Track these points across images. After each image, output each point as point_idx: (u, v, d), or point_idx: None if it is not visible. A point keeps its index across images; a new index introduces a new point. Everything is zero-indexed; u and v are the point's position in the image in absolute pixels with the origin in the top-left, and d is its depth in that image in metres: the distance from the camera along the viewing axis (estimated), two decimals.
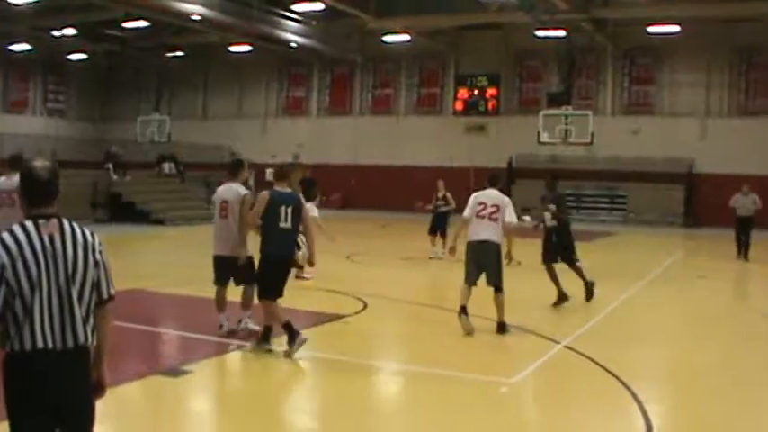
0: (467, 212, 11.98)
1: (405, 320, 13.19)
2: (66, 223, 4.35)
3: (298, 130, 47.48)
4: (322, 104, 48.29)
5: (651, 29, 37.12)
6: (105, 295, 4.46)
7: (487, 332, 11.93)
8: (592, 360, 10.16)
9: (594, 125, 34.10)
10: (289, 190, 10.51)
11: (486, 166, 40.66)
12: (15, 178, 11.08)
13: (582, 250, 26.57)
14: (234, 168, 11.36)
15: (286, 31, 38.73)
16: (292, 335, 9.94)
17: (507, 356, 10.97)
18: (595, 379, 9.49)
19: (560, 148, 36.60)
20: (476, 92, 43.47)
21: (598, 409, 8.60)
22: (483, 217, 11.73)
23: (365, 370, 10.04)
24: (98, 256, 4.41)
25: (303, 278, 15.95)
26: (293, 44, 40.09)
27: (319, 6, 35.51)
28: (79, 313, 4.27)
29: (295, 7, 36.60)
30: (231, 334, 10.99)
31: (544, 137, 34.09)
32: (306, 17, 38.58)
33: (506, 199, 11.95)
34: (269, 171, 41.92)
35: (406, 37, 40.69)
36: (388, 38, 41.43)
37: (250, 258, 10.86)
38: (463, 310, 11.48)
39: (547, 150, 37.98)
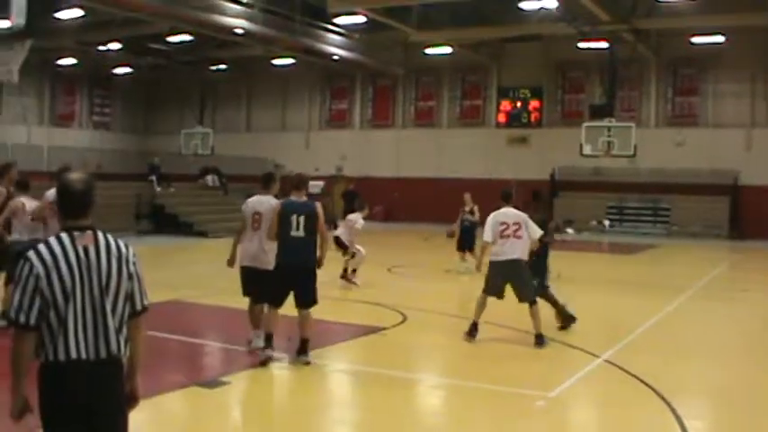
0: (488, 235, 11.81)
1: (444, 333, 13.13)
2: (100, 235, 4.39)
3: (341, 142, 47.58)
4: (365, 117, 48.34)
5: (695, 39, 36.81)
6: (139, 307, 4.50)
7: (525, 345, 11.89)
8: (631, 374, 10.07)
9: (638, 137, 33.85)
10: (303, 199, 10.55)
11: (528, 178, 40.62)
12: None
13: (624, 263, 26.55)
14: (266, 181, 11.28)
15: (328, 44, 38.87)
16: (268, 345, 10.14)
17: (545, 370, 10.88)
18: (635, 393, 9.39)
19: (603, 159, 36.35)
20: (518, 104, 43.35)
21: (637, 425, 8.51)
22: (508, 236, 11.66)
23: (404, 383, 10.03)
24: (132, 267, 4.45)
25: (352, 282, 17.60)
26: (336, 57, 40.20)
27: (361, 19, 35.64)
28: (112, 324, 4.30)
29: (337, 20, 36.73)
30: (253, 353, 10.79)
31: (587, 149, 33.89)
32: (348, 30, 38.71)
33: (524, 215, 11.90)
34: (312, 184, 42.36)
35: (447, 49, 40.70)
36: (429, 50, 41.45)
37: None
38: (474, 327, 11.48)
39: (590, 162, 37.73)
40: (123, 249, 4.44)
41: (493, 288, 11.78)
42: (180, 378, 9.64)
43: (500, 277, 11.72)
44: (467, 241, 21.81)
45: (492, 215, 11.99)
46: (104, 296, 4.29)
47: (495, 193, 39.81)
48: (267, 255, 10.54)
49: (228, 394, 9.16)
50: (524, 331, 12.08)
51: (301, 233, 10.14)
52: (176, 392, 8.92)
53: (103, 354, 4.27)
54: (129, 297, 4.42)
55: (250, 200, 11.13)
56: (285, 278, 10.22)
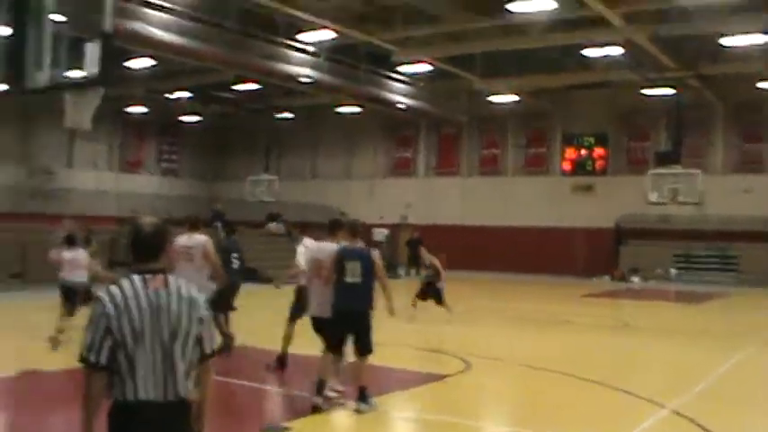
0: None
1: (508, 381, 13.07)
2: (171, 279, 4.47)
3: (405, 190, 47.72)
4: (429, 165, 48.44)
5: (761, 84, 36.44)
6: (208, 351, 4.54)
7: (589, 394, 11.79)
8: (699, 425, 9.88)
9: (704, 184, 33.51)
10: (359, 245, 10.61)
11: (593, 226, 40.45)
12: (196, 237, 11.91)
13: (691, 312, 26.17)
14: (332, 227, 11.24)
15: (393, 92, 39.16)
16: (319, 392, 10.10)
17: (610, 420, 10.72)
18: None
19: (669, 207, 35.97)
20: (583, 151, 43.20)
21: None
22: None
23: (465, 430, 9.98)
24: (202, 312, 4.51)
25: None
26: (400, 105, 40.45)
27: (426, 68, 35.86)
28: (181, 367, 4.36)
29: (402, 69, 37.01)
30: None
31: (652, 197, 33.60)
32: (413, 78, 38.98)
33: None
34: (376, 231, 42.51)
35: (512, 97, 40.74)
36: (494, 98, 41.52)
37: None
38: None
39: (655, 210, 37.38)
40: (194, 294, 4.51)
41: None
42: (244, 423, 9.68)
43: None
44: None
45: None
46: (174, 339, 4.35)
47: (559, 242, 39.77)
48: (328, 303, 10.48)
49: None
50: (585, 379, 11.97)
51: (357, 279, 10.19)
52: None
53: (171, 396, 4.32)
54: (199, 341, 4.47)
55: (309, 244, 11.20)
56: (341, 324, 10.26)
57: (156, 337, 4.30)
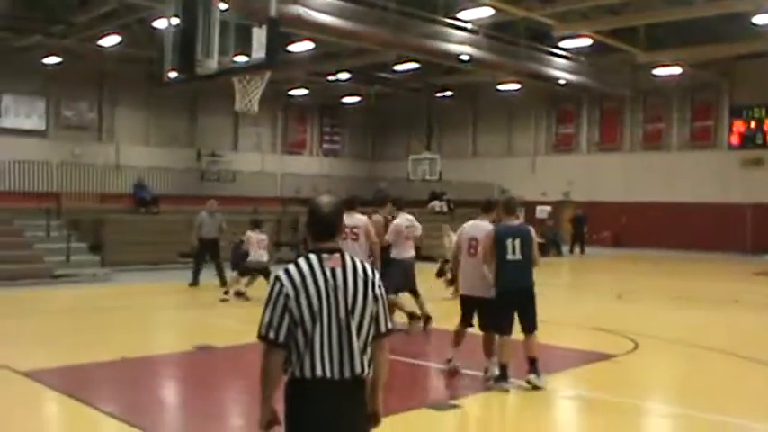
0: None
1: (677, 362, 12.81)
2: (348, 258, 4.55)
3: (567, 166, 47.19)
4: (591, 140, 47.72)
5: None
6: (383, 329, 4.61)
7: (752, 374, 11.48)
8: None
9: None
10: (516, 222, 10.58)
11: (763, 201, 39.07)
12: (358, 216, 12.34)
13: None
14: (487, 206, 11.16)
15: (554, 67, 38.74)
16: (502, 376, 10.13)
17: None
18: None
19: None
20: (752, 124, 41.74)
21: None
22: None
23: (635, 411, 9.82)
24: (378, 290, 4.57)
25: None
26: (561, 81, 39.98)
27: (587, 42, 35.28)
28: (357, 345, 4.43)
29: (562, 44, 36.53)
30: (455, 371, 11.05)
31: None
32: (573, 53, 38.44)
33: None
34: (539, 209, 42.22)
35: (676, 69, 39.68)
36: (657, 71, 40.52)
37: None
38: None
39: None
40: (369, 272, 4.57)
41: None
42: (412, 400, 9.77)
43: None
44: None
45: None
46: (350, 317, 4.43)
47: (727, 218, 38.66)
48: (484, 281, 10.47)
49: (460, 417, 9.24)
50: (754, 360, 11.63)
51: (518, 256, 10.16)
52: (408, 413, 9.03)
53: (348, 373, 4.40)
54: (374, 319, 4.54)
55: (467, 225, 11.17)
56: (510, 303, 10.25)
57: (333, 315, 4.39)
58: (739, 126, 42.04)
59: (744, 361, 12.54)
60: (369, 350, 4.53)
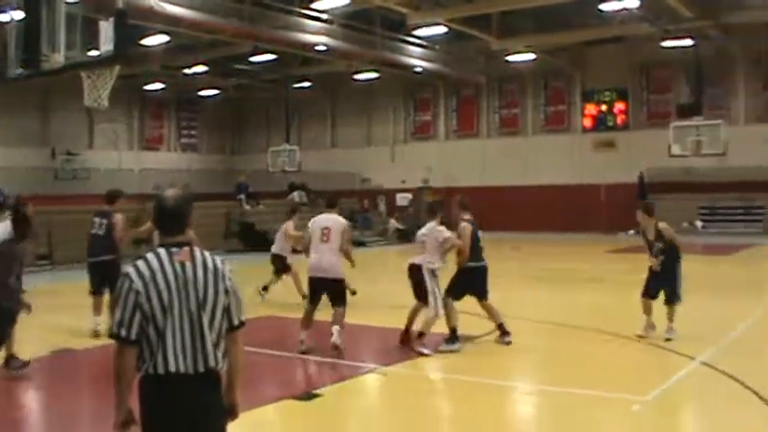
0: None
1: (538, 340, 13.07)
2: (197, 251, 4.50)
3: (426, 154, 47.64)
4: (449, 127, 48.32)
5: None
6: (236, 321, 4.58)
7: (620, 349, 11.81)
8: (730, 376, 9.89)
9: (727, 134, 33.21)
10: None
11: (616, 182, 40.23)
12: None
13: (719, 264, 26.10)
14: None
15: (410, 56, 39.05)
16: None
17: (639, 373, 10.78)
18: (734, 396, 9.21)
19: (693, 159, 35.66)
20: (603, 107, 42.94)
21: (735, 428, 8.37)
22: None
23: (499, 390, 10.03)
24: (228, 283, 4.54)
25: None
26: (417, 69, 40.34)
27: (441, 30, 35.64)
28: (210, 339, 4.39)
29: (418, 32, 36.83)
30: (307, 352, 11.71)
31: (675, 149, 33.39)
32: (429, 41, 38.80)
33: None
34: (399, 197, 42.53)
35: (529, 56, 40.45)
36: (511, 57, 41.26)
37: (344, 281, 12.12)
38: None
39: (679, 163, 37.05)
40: (219, 265, 4.54)
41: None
42: (275, 392, 9.76)
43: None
44: None
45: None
46: (201, 311, 4.38)
47: (582, 199, 39.57)
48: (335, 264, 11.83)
49: (323, 406, 9.24)
50: (615, 334, 11.96)
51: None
52: (272, 406, 9.04)
53: (201, 367, 4.36)
54: (226, 312, 4.51)
55: (318, 217, 12.30)
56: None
57: (184, 309, 4.34)
58: (591, 109, 43.27)
59: (605, 336, 12.94)
60: (222, 343, 4.48)
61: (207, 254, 4.54)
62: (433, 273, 11.77)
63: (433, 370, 10.99)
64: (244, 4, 29.98)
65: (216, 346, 4.43)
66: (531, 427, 8.94)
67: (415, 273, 11.90)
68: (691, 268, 13.74)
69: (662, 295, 12.44)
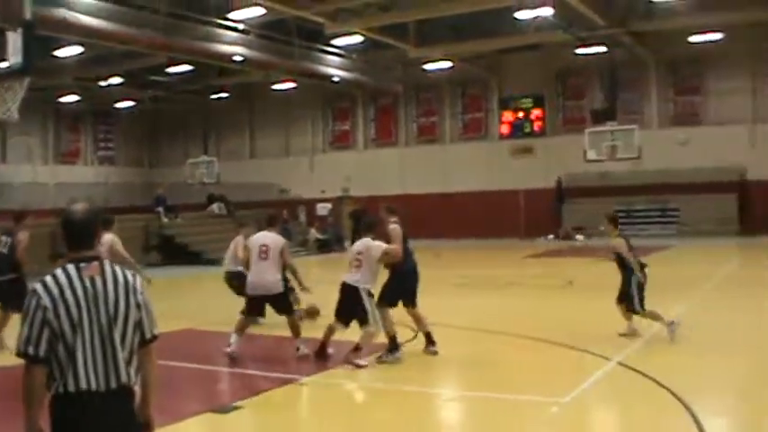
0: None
1: (457, 346, 13.09)
2: (107, 265, 4.41)
3: (345, 163, 47.69)
4: (368, 136, 48.45)
5: (693, 38, 36.84)
6: (148, 335, 4.48)
7: (538, 353, 11.91)
8: (646, 376, 10.06)
9: (641, 139, 33.81)
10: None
11: (535, 187, 40.75)
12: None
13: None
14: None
15: (327, 65, 39.05)
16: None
17: (558, 376, 10.88)
18: (650, 395, 9.37)
19: (608, 164, 36.20)
20: (520, 114, 43.44)
21: (653, 426, 8.49)
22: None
23: (419, 397, 10.03)
24: (139, 297, 4.43)
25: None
26: (335, 78, 40.36)
27: (359, 39, 35.73)
28: (122, 354, 4.30)
29: (335, 42, 36.85)
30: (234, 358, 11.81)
31: (591, 154, 33.86)
32: (346, 50, 38.86)
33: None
34: (320, 206, 42.46)
35: (446, 64, 40.74)
36: (428, 66, 41.51)
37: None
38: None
39: (595, 168, 37.69)
40: (130, 279, 4.44)
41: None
42: (195, 405, 9.65)
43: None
44: None
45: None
46: (113, 326, 4.29)
47: (502, 205, 39.84)
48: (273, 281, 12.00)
49: (242, 419, 9.17)
50: (533, 338, 12.05)
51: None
52: (191, 419, 8.94)
53: (114, 384, 4.26)
54: (138, 326, 4.41)
55: (257, 235, 12.58)
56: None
57: (94, 325, 4.24)
58: (508, 116, 43.77)
59: (523, 340, 13.08)
60: (135, 359, 4.40)
61: (117, 268, 4.45)
62: (369, 293, 11.54)
63: (353, 380, 10.95)
64: (159, 15, 29.66)
65: (128, 361, 4.34)
66: None
67: (350, 294, 11.48)
68: (608, 271, 13.96)
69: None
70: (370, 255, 11.59)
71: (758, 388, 9.97)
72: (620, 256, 13.07)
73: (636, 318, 13.07)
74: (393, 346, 11.65)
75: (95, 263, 4.36)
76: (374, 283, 11.67)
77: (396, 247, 11.80)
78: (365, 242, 11.77)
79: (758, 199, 37.07)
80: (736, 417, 9.14)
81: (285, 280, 12.40)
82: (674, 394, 9.08)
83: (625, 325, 13.15)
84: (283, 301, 12.16)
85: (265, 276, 11.92)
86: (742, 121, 38.60)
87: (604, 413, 9.54)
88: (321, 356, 11.69)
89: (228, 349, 11.81)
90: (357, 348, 11.27)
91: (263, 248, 12.04)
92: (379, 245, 11.71)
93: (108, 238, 11.75)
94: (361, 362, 11.19)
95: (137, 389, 4.42)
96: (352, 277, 11.53)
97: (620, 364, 10.93)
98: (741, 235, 36.68)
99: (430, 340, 12.15)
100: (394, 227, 12.10)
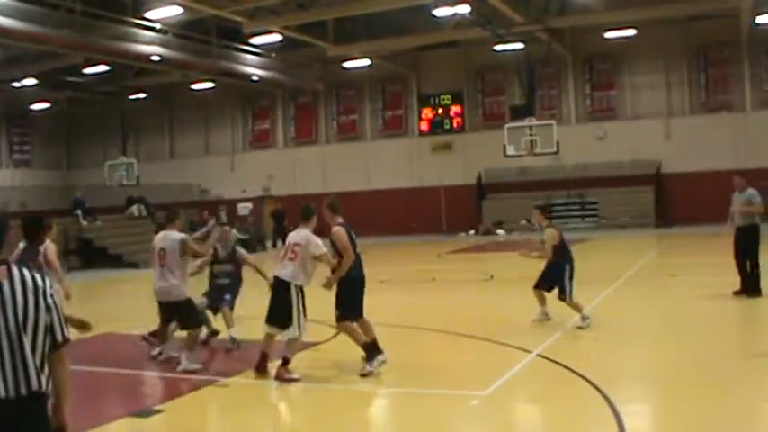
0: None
1: (380, 342, 13.14)
2: (15, 269, 4.32)
3: (266, 162, 47.50)
4: (288, 135, 48.30)
5: (607, 34, 37.51)
6: (60, 338, 4.40)
7: (460, 347, 11.99)
8: (565, 366, 10.24)
9: (559, 134, 34.12)
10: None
11: (455, 183, 41.01)
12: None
13: None
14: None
15: (246, 64, 38.87)
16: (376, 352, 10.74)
17: (477, 369, 10.99)
18: (569, 385, 9.55)
19: (528, 159, 36.54)
20: (440, 111, 43.68)
21: (572, 415, 8.63)
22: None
23: (340, 394, 10.05)
24: (50, 300, 4.35)
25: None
26: (254, 77, 40.18)
27: (277, 38, 35.61)
28: (32, 360, 4.22)
29: (253, 40, 36.68)
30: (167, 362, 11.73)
31: (510, 150, 34.08)
32: (265, 49, 38.70)
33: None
34: (240, 206, 42.19)
35: (365, 62, 40.84)
36: (348, 64, 41.56)
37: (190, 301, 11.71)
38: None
39: (515, 163, 38.08)
40: (39, 282, 4.35)
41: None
42: (114, 410, 9.57)
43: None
44: None
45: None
46: (22, 331, 4.20)
47: (423, 202, 39.97)
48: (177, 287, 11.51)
49: (163, 422, 9.08)
50: (454, 333, 12.12)
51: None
52: (110, 424, 8.84)
53: (24, 391, 4.18)
54: (49, 330, 4.33)
55: (157, 236, 11.98)
56: (360, 289, 11.18)
57: (2, 330, 4.16)
58: (428, 113, 43.95)
59: (444, 335, 13.23)
60: (47, 364, 4.32)
61: (26, 271, 4.37)
62: (301, 290, 10.58)
63: (274, 378, 10.90)
64: (74, 14, 29.22)
65: (39, 367, 4.26)
66: (372, 429, 9.00)
67: (282, 291, 10.61)
68: (529, 264, 14.13)
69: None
70: (308, 250, 10.59)
71: (671, 375, 10.17)
72: (556, 246, 13.29)
73: (555, 311, 13.26)
74: (375, 349, 10.73)
75: (3, 267, 4.28)
76: (308, 281, 10.72)
77: (334, 262, 10.83)
78: (306, 235, 10.80)
79: (673, 191, 37.79)
80: (651, 403, 9.33)
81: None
82: (592, 384, 9.23)
83: (539, 310, 13.47)
84: (185, 311, 11.46)
85: (166, 282, 11.36)
86: (657, 115, 39.40)
87: (524, 404, 9.64)
88: (262, 370, 10.60)
89: (156, 351, 11.90)
90: (285, 362, 10.38)
91: (161, 253, 11.48)
92: (320, 245, 10.71)
93: (48, 244, 11.35)
94: (294, 375, 10.34)
95: (49, 395, 4.35)
96: (283, 271, 10.58)
97: (540, 355, 11.09)
98: (658, 227, 37.36)
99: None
100: (338, 229, 11.00)
